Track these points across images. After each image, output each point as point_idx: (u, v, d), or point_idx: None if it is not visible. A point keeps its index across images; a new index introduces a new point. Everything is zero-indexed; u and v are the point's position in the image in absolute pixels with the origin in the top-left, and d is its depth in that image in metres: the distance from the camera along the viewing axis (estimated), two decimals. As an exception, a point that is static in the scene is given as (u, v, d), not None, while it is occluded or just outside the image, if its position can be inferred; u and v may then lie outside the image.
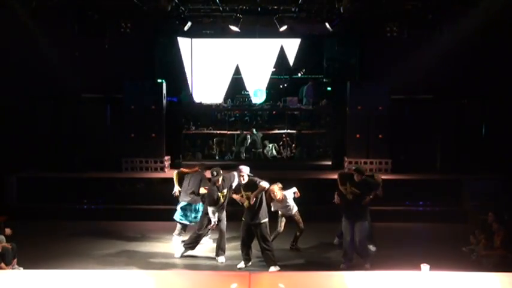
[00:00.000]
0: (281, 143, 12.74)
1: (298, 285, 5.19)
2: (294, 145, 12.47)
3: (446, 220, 9.64)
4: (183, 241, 8.02)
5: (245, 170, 7.25)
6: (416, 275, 5.32)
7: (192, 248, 7.82)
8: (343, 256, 7.31)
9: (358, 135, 11.38)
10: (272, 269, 7.06)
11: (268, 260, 7.16)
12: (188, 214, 8.33)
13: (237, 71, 13.64)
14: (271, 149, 12.41)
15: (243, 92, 13.21)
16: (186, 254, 7.86)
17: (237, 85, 13.57)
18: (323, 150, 12.41)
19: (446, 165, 11.15)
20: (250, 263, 7.35)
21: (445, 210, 9.97)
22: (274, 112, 13.02)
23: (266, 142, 12.34)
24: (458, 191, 10.21)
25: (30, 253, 7.44)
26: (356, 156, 11.37)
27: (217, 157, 12.46)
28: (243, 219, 7.35)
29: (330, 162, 11.81)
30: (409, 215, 9.95)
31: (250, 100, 12.95)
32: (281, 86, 14.47)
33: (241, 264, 7.33)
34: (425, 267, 5.38)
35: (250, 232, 7.26)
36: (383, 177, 10.92)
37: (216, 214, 7.46)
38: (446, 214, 9.87)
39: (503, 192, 9.67)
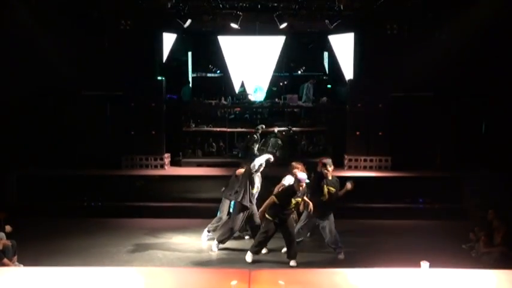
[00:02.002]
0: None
1: (298, 282, 5.18)
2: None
3: (446, 217, 9.64)
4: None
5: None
6: (415, 272, 5.31)
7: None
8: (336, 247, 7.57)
9: (358, 133, 11.38)
10: (293, 263, 7.19)
11: (294, 254, 7.25)
12: None
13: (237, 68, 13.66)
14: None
15: (242, 90, 13.18)
16: (188, 250, 7.96)
17: (237, 82, 13.57)
18: (323, 147, 12.40)
19: (446, 162, 11.14)
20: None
21: (445, 207, 9.97)
22: (274, 109, 13.00)
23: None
24: (458, 188, 10.20)
25: (30, 250, 7.43)
26: (356, 153, 11.37)
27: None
28: (268, 216, 7.23)
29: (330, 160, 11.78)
30: (409, 212, 9.93)
31: (249, 97, 12.95)
32: (281, 84, 14.45)
33: (250, 258, 7.33)
34: (425, 264, 5.36)
35: (275, 229, 7.27)
36: (383, 174, 11.02)
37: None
38: (446, 211, 9.86)
39: (503, 189, 9.65)
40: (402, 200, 10.19)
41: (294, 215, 7.98)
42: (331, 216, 7.58)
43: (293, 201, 7.10)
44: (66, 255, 7.61)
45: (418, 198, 10.24)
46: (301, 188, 7.03)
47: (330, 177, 7.53)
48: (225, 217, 8.32)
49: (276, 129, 12.28)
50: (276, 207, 7.13)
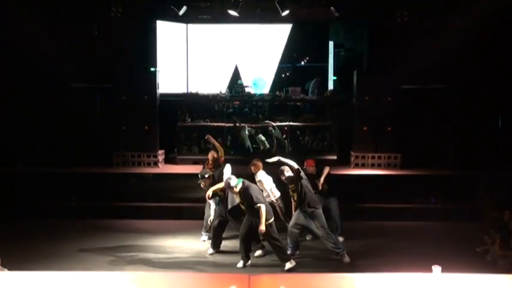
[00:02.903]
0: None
1: (300, 287, 5.19)
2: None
3: (460, 218, 9.64)
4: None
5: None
6: (427, 278, 5.31)
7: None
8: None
9: (365, 128, 11.37)
10: (288, 265, 7.22)
11: (280, 258, 7.30)
12: None
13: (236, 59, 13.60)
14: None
15: (239, 82, 13.15)
16: (184, 254, 7.99)
17: (235, 74, 13.52)
18: (328, 144, 12.40)
19: (460, 159, 11.13)
20: (249, 262, 7.40)
21: (458, 207, 9.97)
22: (275, 103, 12.97)
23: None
24: (473, 187, 10.19)
25: (15, 254, 7.40)
26: (363, 150, 11.38)
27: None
28: (244, 217, 7.50)
29: (335, 157, 11.81)
30: (420, 213, 9.94)
31: (248, 90, 12.92)
32: (283, 75, 14.41)
33: (240, 264, 7.38)
34: (436, 269, 5.36)
35: (252, 231, 7.34)
36: (392, 173, 11.02)
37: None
38: (460, 212, 9.86)
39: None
40: (412, 200, 10.20)
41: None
42: (316, 214, 7.54)
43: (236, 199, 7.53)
44: (54, 259, 7.63)
45: (430, 198, 10.24)
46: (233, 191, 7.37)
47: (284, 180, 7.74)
48: (208, 216, 8.35)
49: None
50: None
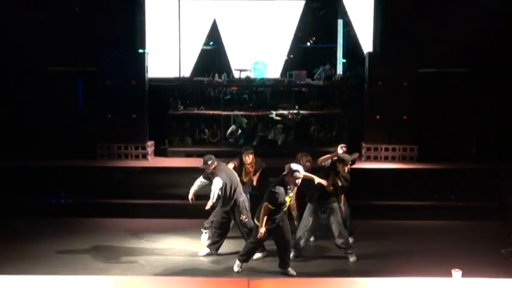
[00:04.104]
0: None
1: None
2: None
3: (483, 217, 9.65)
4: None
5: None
6: (446, 283, 5.34)
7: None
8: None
9: (378, 117, 11.37)
10: (290, 271, 7.23)
11: (284, 262, 7.31)
12: None
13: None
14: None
15: (235, 70, 13.15)
16: (177, 256, 8.00)
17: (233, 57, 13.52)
18: (336, 134, 12.40)
19: (483, 152, 11.14)
20: (243, 265, 7.43)
21: (481, 205, 9.98)
22: (281, 88, 12.97)
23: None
24: (498, 182, 10.20)
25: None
26: (375, 141, 11.39)
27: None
28: (257, 222, 7.34)
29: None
30: (439, 211, 9.97)
31: (247, 74, 12.93)
32: (286, 58, 14.39)
33: (237, 267, 7.40)
34: (457, 273, 5.39)
35: (268, 235, 7.31)
36: (408, 166, 11.04)
37: None
38: (483, 210, 9.87)
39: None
40: (430, 197, 10.22)
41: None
42: (334, 208, 7.63)
43: (287, 199, 7.09)
44: (32, 261, 7.64)
45: (450, 194, 10.27)
46: (297, 181, 6.97)
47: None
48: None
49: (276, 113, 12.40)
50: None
